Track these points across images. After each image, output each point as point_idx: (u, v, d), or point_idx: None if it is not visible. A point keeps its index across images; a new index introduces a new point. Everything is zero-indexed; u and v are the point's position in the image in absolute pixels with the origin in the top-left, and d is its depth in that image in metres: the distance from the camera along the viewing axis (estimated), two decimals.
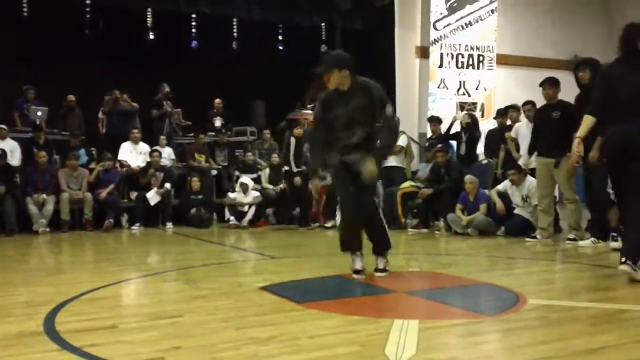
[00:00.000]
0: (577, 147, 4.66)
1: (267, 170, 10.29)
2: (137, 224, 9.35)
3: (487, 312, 3.36)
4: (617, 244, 5.77)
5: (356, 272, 4.46)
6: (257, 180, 10.14)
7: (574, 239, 6.42)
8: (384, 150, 4.54)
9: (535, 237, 6.72)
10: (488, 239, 7.19)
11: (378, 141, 4.37)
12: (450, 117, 10.24)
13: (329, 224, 8.94)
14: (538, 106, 7.30)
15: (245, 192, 9.49)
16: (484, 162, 8.87)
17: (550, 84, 6.67)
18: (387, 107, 4.33)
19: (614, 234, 5.97)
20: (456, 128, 9.47)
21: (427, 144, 9.53)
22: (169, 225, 9.40)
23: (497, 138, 8.81)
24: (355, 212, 4.38)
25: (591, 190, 6.30)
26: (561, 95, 6.71)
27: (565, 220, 7.01)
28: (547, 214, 6.75)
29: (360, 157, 4.27)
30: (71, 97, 10.77)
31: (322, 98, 4.54)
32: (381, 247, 4.62)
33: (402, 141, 9.46)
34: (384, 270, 4.56)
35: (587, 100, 5.28)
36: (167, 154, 10.53)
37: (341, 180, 4.46)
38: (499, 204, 7.45)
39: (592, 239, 6.28)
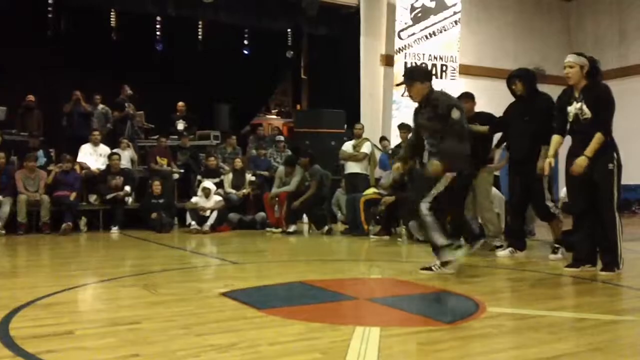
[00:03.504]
0: (547, 165, 5.28)
1: (230, 175, 10.23)
2: (116, 227, 9.21)
3: (448, 320, 3.39)
4: (558, 256, 5.91)
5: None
6: (219, 185, 10.08)
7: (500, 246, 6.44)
8: (447, 152, 4.70)
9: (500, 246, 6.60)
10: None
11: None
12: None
13: (290, 229, 8.93)
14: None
15: (208, 197, 9.42)
16: None
17: (467, 98, 6.73)
18: (453, 112, 4.65)
19: (556, 246, 6.00)
20: None
21: (390, 151, 9.58)
22: (115, 229, 9.25)
23: None
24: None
25: (521, 198, 6.17)
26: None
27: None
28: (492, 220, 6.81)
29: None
30: (30, 97, 10.54)
31: (416, 108, 5.05)
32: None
33: (365, 148, 9.52)
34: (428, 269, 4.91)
35: (520, 109, 6.03)
36: (128, 157, 10.38)
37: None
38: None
39: (510, 249, 6.23)
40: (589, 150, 4.88)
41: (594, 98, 4.96)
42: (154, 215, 9.31)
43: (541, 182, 5.90)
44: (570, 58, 5.11)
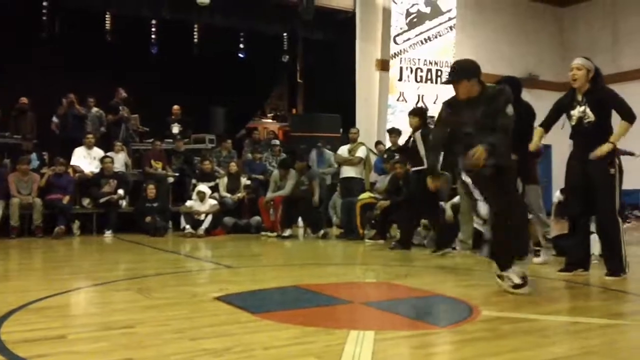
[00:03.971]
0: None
1: (225, 179, 10.22)
2: (109, 231, 9.19)
3: (442, 324, 3.39)
4: (540, 259, 5.94)
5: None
6: (214, 189, 10.06)
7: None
8: (493, 144, 4.29)
9: (454, 249, 6.84)
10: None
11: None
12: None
13: (286, 234, 8.92)
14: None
15: (203, 201, 9.40)
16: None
17: None
18: (507, 108, 4.36)
19: (537, 249, 6.05)
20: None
21: (385, 155, 9.59)
22: (108, 233, 9.22)
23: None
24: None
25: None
26: None
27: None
28: (468, 226, 6.86)
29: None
30: (24, 100, 10.50)
31: (449, 100, 4.66)
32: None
33: (361, 152, 9.53)
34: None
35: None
36: (122, 160, 10.35)
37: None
38: (448, 213, 7.54)
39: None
40: (615, 137, 4.94)
41: (598, 101, 5.00)
42: (148, 219, 9.28)
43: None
44: (579, 61, 5.15)
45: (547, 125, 5.38)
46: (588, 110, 5.00)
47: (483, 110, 4.39)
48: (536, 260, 5.98)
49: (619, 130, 4.98)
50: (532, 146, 5.43)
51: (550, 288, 4.92)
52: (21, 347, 2.76)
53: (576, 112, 5.08)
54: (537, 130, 5.43)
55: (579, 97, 5.09)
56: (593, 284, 4.86)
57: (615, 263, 4.98)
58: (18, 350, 2.71)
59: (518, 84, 6.27)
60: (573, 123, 5.14)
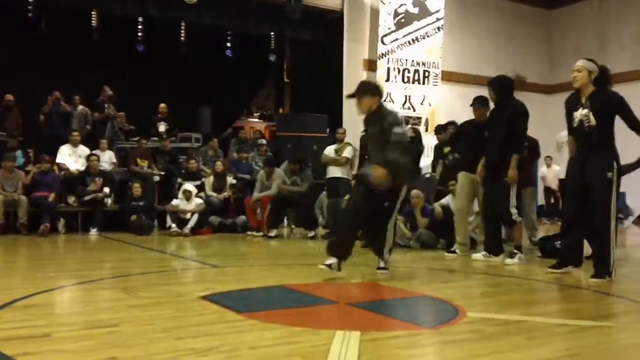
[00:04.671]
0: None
1: (211, 178, 10.19)
2: (95, 229, 9.12)
3: (427, 325, 3.40)
4: (514, 261, 6.02)
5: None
6: (200, 188, 10.02)
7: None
8: (389, 162, 4.80)
9: (454, 252, 6.79)
10: (429, 251, 7.29)
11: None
12: None
13: (272, 233, 8.91)
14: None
15: (189, 200, 9.37)
16: (427, 175, 9.00)
17: (480, 103, 6.77)
18: (394, 129, 4.86)
19: (514, 252, 6.11)
20: None
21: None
22: (93, 231, 9.16)
23: (436, 153, 8.93)
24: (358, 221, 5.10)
25: (489, 206, 6.31)
26: None
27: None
28: (464, 227, 6.89)
29: (370, 168, 4.87)
30: (9, 97, 10.41)
31: (366, 116, 5.24)
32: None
33: (347, 153, 9.53)
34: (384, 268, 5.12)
35: (493, 116, 6.27)
36: (108, 158, 10.29)
37: (356, 191, 5.19)
38: (437, 210, 7.56)
39: (484, 252, 6.33)
40: None
41: (600, 105, 5.00)
42: (133, 217, 9.23)
43: (508, 188, 6.00)
44: (580, 62, 5.19)
45: (571, 130, 5.33)
46: (590, 115, 4.99)
47: (377, 126, 4.99)
48: (509, 261, 6.04)
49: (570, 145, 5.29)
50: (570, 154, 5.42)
51: (537, 289, 4.97)
52: (6, 345, 2.74)
53: (578, 114, 5.09)
54: (569, 139, 5.38)
55: (583, 100, 5.10)
56: (580, 285, 4.90)
57: (602, 266, 5.00)
58: (3, 348, 2.69)
59: (504, 83, 6.29)
60: (575, 125, 5.14)
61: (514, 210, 6.12)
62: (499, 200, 6.12)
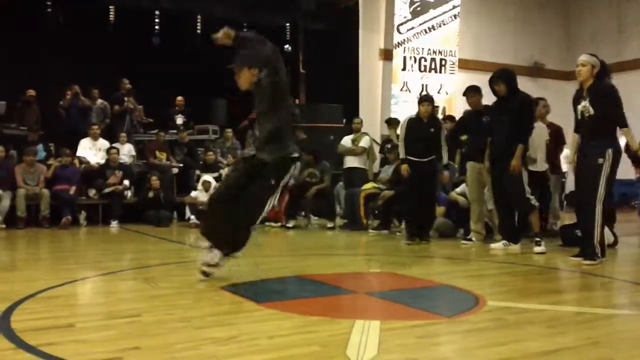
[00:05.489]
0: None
1: (229, 169, 10.23)
2: (115, 221, 9.21)
3: (447, 314, 3.40)
4: (541, 249, 5.97)
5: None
6: (218, 179, 10.06)
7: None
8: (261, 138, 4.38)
9: (470, 240, 6.81)
10: (447, 240, 7.27)
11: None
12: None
13: (290, 224, 8.93)
14: None
15: (208, 191, 9.40)
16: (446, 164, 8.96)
17: (474, 92, 6.94)
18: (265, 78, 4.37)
19: (538, 239, 6.07)
20: None
21: (388, 145, 9.56)
22: (114, 223, 9.24)
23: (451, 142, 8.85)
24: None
25: (502, 193, 6.30)
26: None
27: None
28: (478, 216, 6.87)
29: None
30: (31, 92, 10.49)
31: None
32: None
33: (364, 143, 9.51)
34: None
35: (500, 108, 6.29)
36: (127, 151, 10.37)
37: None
38: (461, 200, 7.53)
39: (504, 241, 6.30)
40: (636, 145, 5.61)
41: (597, 95, 5.21)
42: (151, 212, 9.30)
43: (519, 176, 6.00)
44: (583, 57, 5.40)
45: (576, 123, 5.50)
46: (589, 105, 5.22)
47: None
48: (537, 249, 6.00)
49: (630, 140, 5.60)
50: (570, 152, 5.74)
51: (556, 278, 4.94)
52: (31, 336, 2.79)
53: (580, 106, 5.31)
54: (572, 137, 5.57)
55: (584, 92, 5.33)
56: (601, 274, 4.86)
57: (588, 248, 5.22)
58: (28, 339, 2.74)
59: (513, 76, 6.38)
60: (578, 117, 5.36)
61: (531, 197, 6.11)
62: (514, 188, 6.11)
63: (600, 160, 5.14)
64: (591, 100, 5.20)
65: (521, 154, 6.04)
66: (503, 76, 6.31)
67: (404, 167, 6.97)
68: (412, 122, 7.12)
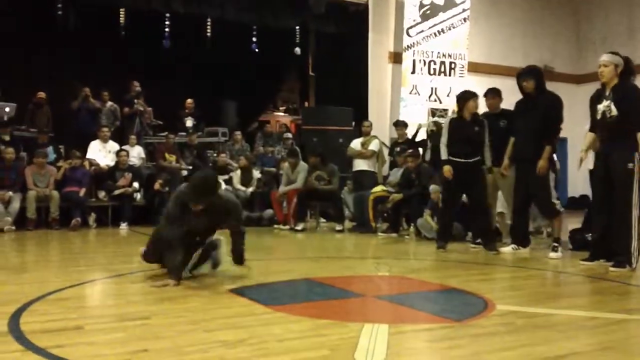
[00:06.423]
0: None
1: (239, 172, 10.25)
2: (124, 223, 9.24)
3: (456, 318, 3.38)
4: (557, 255, 5.88)
5: None
6: (228, 182, 10.08)
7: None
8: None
9: (479, 244, 6.60)
10: (456, 244, 7.24)
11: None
12: (416, 123, 10.37)
13: (299, 227, 8.93)
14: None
15: None
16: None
17: (494, 94, 6.77)
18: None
19: (556, 245, 5.96)
20: (422, 135, 9.56)
21: (397, 149, 9.55)
22: (124, 225, 9.26)
23: None
24: None
25: (524, 195, 6.12)
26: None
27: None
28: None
29: None
30: (41, 94, 10.55)
31: None
32: None
33: (373, 146, 9.51)
34: None
35: (527, 107, 6.02)
36: (137, 153, 10.41)
37: None
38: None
39: (513, 245, 6.24)
40: None
41: (621, 97, 5.05)
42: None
43: (546, 179, 5.91)
44: (605, 57, 5.21)
45: (593, 126, 5.39)
46: (612, 105, 5.06)
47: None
48: (552, 255, 5.91)
49: (586, 139, 5.40)
50: (582, 150, 5.51)
51: (566, 282, 4.91)
52: (40, 338, 2.80)
53: (602, 106, 5.15)
54: (587, 136, 5.44)
55: (607, 92, 5.17)
56: (611, 278, 4.83)
57: (623, 256, 5.04)
58: (37, 341, 2.75)
59: (542, 74, 6.19)
60: (598, 117, 5.20)
61: (556, 201, 6.05)
62: (540, 191, 5.96)
63: (630, 165, 5.00)
64: (615, 101, 5.03)
65: (549, 155, 5.84)
66: (533, 71, 6.10)
67: (447, 169, 6.43)
68: (454, 122, 6.63)
